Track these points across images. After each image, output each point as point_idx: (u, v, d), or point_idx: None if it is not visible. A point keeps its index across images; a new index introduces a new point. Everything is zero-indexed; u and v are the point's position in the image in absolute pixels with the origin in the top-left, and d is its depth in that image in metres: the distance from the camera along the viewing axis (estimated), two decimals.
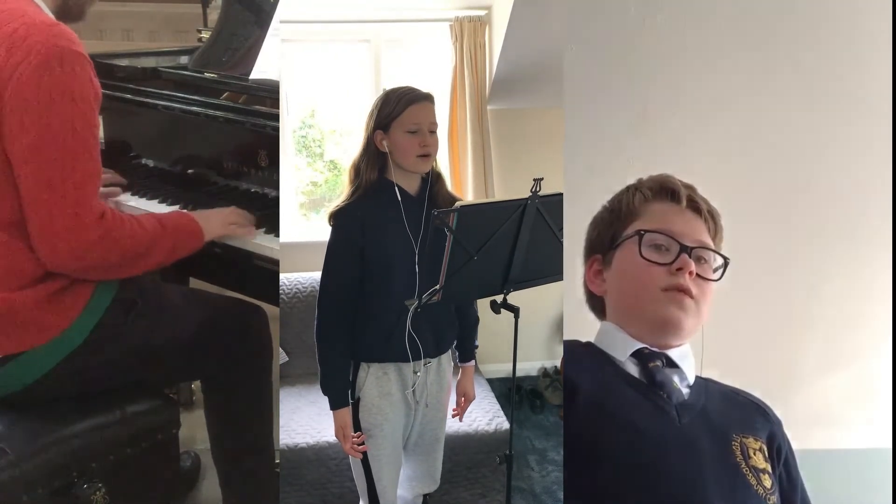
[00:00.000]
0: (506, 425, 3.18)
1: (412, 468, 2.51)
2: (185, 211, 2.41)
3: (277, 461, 2.73)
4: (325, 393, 2.28)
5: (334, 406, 2.28)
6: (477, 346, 2.54)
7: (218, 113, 2.55)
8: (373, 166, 2.23)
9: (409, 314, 2.14)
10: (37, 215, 1.95)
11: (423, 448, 2.48)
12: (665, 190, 1.53)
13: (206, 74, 2.80)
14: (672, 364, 1.44)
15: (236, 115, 2.52)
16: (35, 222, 1.96)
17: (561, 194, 2.00)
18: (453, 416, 2.52)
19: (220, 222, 2.36)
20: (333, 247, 2.25)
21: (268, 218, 2.45)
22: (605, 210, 1.59)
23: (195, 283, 2.85)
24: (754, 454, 1.39)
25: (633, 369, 1.43)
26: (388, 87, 2.29)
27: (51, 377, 2.07)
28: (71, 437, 2.07)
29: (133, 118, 2.80)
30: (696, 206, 1.52)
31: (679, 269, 1.42)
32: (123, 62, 3.01)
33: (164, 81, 2.88)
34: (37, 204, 1.94)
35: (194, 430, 2.84)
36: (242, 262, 2.36)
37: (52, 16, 2.10)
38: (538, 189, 1.96)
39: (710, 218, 1.53)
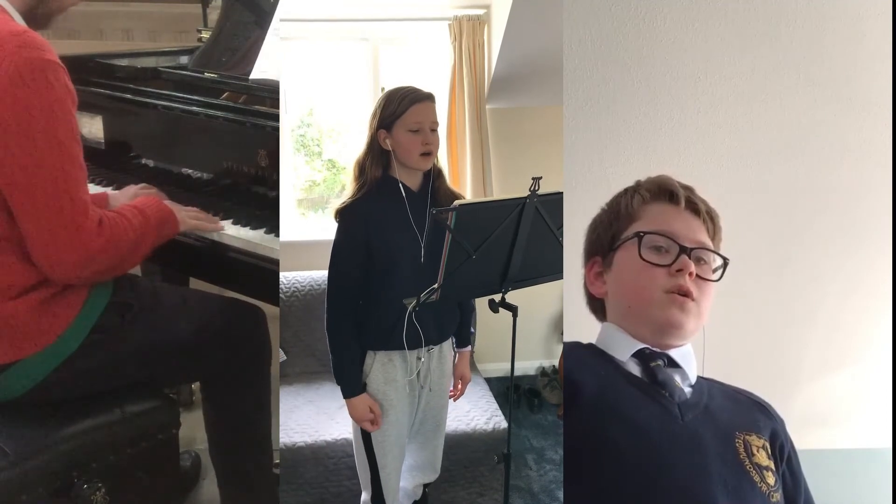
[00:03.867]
0: (504, 424, 3.18)
1: (413, 457, 2.57)
2: (153, 196, 2.40)
3: (277, 461, 2.73)
4: (338, 382, 2.33)
5: (349, 394, 2.32)
6: (473, 332, 2.58)
7: (218, 113, 2.55)
8: (377, 164, 2.29)
9: (408, 312, 2.17)
10: (38, 234, 1.91)
11: (424, 435, 2.53)
12: (663, 191, 1.53)
13: (206, 74, 2.81)
14: (674, 364, 1.44)
15: (236, 115, 2.51)
16: (37, 241, 1.92)
17: (560, 193, 2.01)
18: (450, 397, 2.57)
19: (186, 215, 2.37)
20: (340, 243, 2.29)
21: (268, 217, 2.45)
22: (604, 212, 1.60)
23: (195, 283, 2.85)
24: (757, 452, 1.39)
25: (634, 369, 1.44)
26: (390, 87, 2.32)
27: (49, 383, 2.05)
28: (71, 437, 2.07)
29: (133, 118, 2.79)
30: (694, 206, 1.52)
31: (679, 271, 1.42)
32: (123, 62, 3.01)
33: (164, 81, 2.88)
34: (36, 223, 1.90)
35: (194, 430, 2.83)
36: (242, 262, 2.36)
37: (19, 20, 2.02)
38: (537, 188, 1.97)
39: (709, 218, 1.53)
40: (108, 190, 2.64)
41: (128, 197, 2.50)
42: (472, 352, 2.65)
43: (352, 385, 2.33)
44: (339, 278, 2.31)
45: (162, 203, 2.29)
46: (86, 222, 1.95)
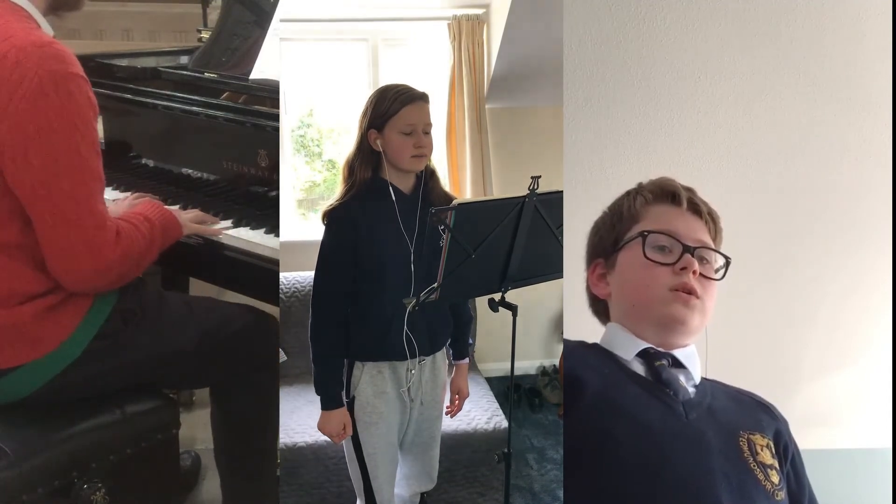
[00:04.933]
0: (504, 424, 3.18)
1: (409, 466, 2.51)
2: (155, 201, 2.41)
3: (277, 461, 2.73)
4: (318, 393, 2.27)
5: (327, 407, 2.26)
6: (471, 344, 2.53)
7: (218, 113, 2.55)
8: (367, 165, 2.22)
9: (407, 313, 2.12)
10: (56, 244, 1.91)
11: (420, 446, 2.47)
12: (666, 192, 1.55)
13: (206, 74, 2.80)
14: (678, 364, 1.45)
15: (236, 115, 2.51)
16: (55, 252, 1.92)
17: (559, 192, 2.00)
18: (447, 413, 2.52)
19: (188, 219, 2.38)
20: (327, 246, 2.23)
21: (268, 217, 2.45)
22: (606, 214, 1.61)
23: (195, 283, 2.85)
24: (761, 450, 1.40)
25: (639, 368, 1.45)
26: (383, 85, 2.27)
27: (51, 387, 2.05)
28: (71, 437, 2.06)
29: (133, 118, 2.79)
30: (696, 207, 1.54)
31: (683, 269, 1.44)
32: (123, 62, 3.01)
33: (164, 81, 2.88)
34: (55, 235, 1.90)
35: (194, 430, 2.84)
36: (242, 263, 2.36)
37: (42, 25, 2.02)
38: (536, 187, 1.95)
39: (711, 219, 1.55)
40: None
41: (123, 208, 2.50)
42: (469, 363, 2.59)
43: (331, 397, 2.26)
44: (325, 284, 2.25)
45: (164, 208, 2.29)
46: (104, 234, 1.95)
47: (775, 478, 1.37)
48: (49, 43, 1.91)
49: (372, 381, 2.29)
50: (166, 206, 2.34)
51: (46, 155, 1.85)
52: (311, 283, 3.60)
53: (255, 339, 2.39)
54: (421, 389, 2.36)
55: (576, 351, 1.51)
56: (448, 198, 2.24)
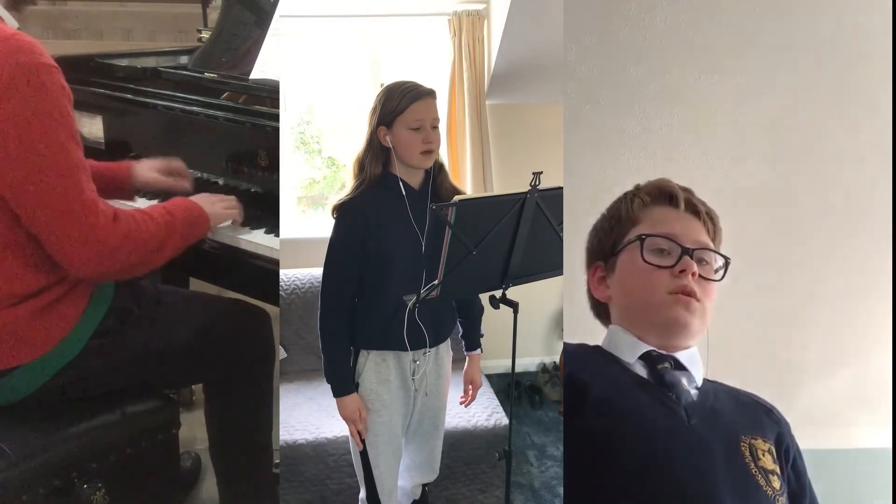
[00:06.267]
0: (505, 421, 3.18)
1: (411, 457, 2.54)
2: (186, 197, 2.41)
3: (277, 461, 2.73)
4: (329, 381, 2.31)
5: (339, 393, 2.30)
6: (483, 335, 2.54)
7: (218, 113, 2.55)
8: (377, 161, 2.25)
9: (409, 308, 2.15)
10: (53, 237, 1.90)
11: (422, 436, 2.50)
12: (663, 194, 1.55)
13: (206, 74, 2.81)
14: (680, 367, 1.45)
15: (236, 114, 2.52)
16: (52, 242, 1.91)
17: (560, 188, 2.00)
18: (460, 403, 2.56)
19: (221, 206, 2.37)
20: (336, 239, 2.26)
21: (268, 217, 2.46)
22: (604, 217, 1.61)
23: (195, 283, 2.84)
24: (763, 455, 1.40)
25: (641, 371, 1.45)
26: (391, 82, 2.29)
27: (50, 387, 2.05)
28: (71, 437, 2.07)
29: (133, 118, 2.79)
30: (694, 208, 1.54)
31: (682, 272, 1.43)
32: (123, 62, 3.02)
33: (164, 81, 2.88)
34: (48, 227, 1.89)
35: (194, 430, 2.84)
36: (242, 262, 2.36)
37: (6, 18, 1.99)
38: (537, 183, 1.96)
39: (709, 219, 1.55)
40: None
41: (153, 167, 2.51)
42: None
43: (342, 384, 2.30)
44: (334, 276, 2.28)
45: (193, 205, 2.27)
46: (98, 219, 1.93)
47: (776, 483, 1.37)
48: (13, 35, 1.88)
49: (376, 370, 2.33)
50: (195, 198, 2.33)
51: (26, 148, 1.83)
52: (311, 281, 3.65)
53: (250, 334, 2.40)
54: (425, 380, 2.39)
55: (578, 353, 1.51)
56: (457, 192, 2.28)
